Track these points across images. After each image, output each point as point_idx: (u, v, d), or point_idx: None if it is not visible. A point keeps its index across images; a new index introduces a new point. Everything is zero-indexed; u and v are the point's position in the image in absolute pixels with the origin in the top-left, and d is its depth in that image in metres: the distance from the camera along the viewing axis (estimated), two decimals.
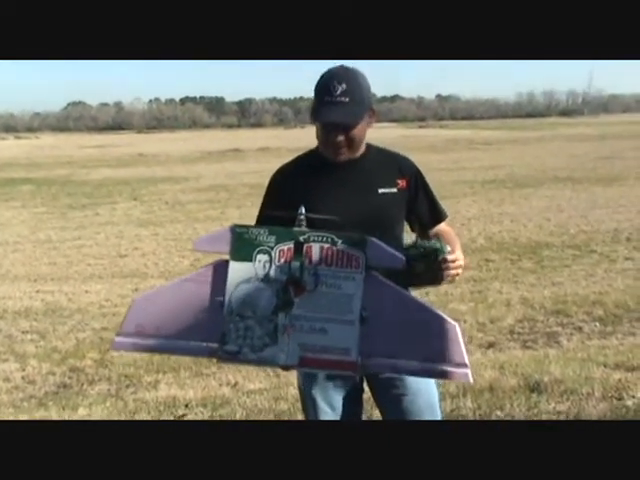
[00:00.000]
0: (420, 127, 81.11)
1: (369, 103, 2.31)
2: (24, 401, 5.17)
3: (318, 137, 2.34)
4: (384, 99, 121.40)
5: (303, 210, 2.02)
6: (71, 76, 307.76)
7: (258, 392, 4.72)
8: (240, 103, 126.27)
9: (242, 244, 1.94)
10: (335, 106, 2.21)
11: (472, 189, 20.49)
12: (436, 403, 2.37)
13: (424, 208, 2.45)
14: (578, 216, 14.96)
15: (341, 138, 2.26)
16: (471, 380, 1.88)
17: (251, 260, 1.93)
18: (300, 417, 2.84)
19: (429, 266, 2.13)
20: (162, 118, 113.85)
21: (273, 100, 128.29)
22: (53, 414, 4.52)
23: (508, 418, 3.79)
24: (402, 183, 2.37)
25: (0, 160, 40.16)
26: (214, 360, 1.98)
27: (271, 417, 3.92)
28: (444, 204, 2.54)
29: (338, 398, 2.33)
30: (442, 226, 2.49)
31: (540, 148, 37.63)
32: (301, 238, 1.93)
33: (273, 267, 1.92)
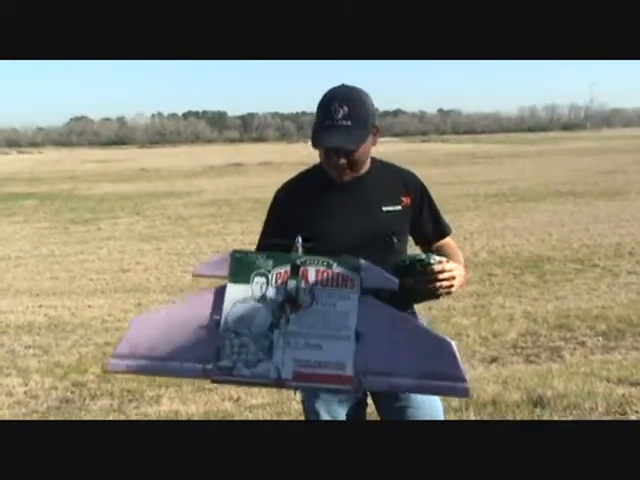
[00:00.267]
0: (422, 141, 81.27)
1: (372, 123, 2.27)
2: (26, 416, 5.16)
3: (320, 157, 2.33)
4: (386, 113, 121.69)
5: (300, 239, 2.04)
6: (74, 91, 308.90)
7: (261, 407, 4.71)
8: (242, 117, 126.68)
9: (240, 268, 1.99)
10: (336, 130, 2.18)
11: (475, 203, 20.50)
12: (440, 415, 2.36)
13: (428, 224, 2.44)
14: (580, 230, 14.95)
15: (343, 161, 2.25)
16: (470, 394, 1.87)
17: (248, 282, 1.97)
18: None
19: (416, 278, 2.14)
20: (164, 133, 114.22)
21: (275, 114, 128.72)
22: None
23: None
24: (407, 200, 2.36)
25: (3, 175, 40.28)
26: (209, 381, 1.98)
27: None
28: (447, 218, 2.54)
29: (342, 412, 2.32)
30: (445, 240, 2.48)
31: (542, 162, 37.66)
32: (298, 262, 1.97)
33: (270, 288, 1.96)
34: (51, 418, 5.02)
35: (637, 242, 13.12)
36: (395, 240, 2.33)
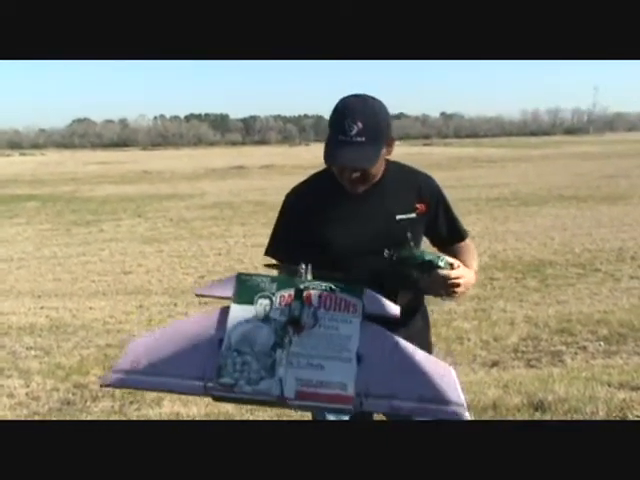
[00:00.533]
0: (425, 145, 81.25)
1: (387, 135, 2.23)
2: (28, 417, 5.16)
3: (335, 171, 2.29)
4: None
5: (303, 266, 2.06)
6: (76, 92, 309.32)
7: (262, 409, 4.71)
8: (245, 120, 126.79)
9: (244, 290, 2.02)
10: (350, 147, 2.12)
11: (476, 207, 20.50)
12: None
13: (443, 229, 2.41)
14: (583, 234, 14.94)
15: (356, 175, 2.22)
16: (468, 418, 1.89)
17: (252, 303, 2.00)
18: None
19: (422, 276, 2.15)
20: (167, 135, 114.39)
21: (277, 117, 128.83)
22: None
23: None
24: (421, 207, 2.32)
25: (5, 177, 40.33)
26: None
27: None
28: None
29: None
30: (463, 242, 2.46)
31: (545, 166, 37.65)
32: (301, 286, 2.00)
33: (273, 309, 1.98)
34: (52, 420, 5.02)
35: (639, 247, 13.12)
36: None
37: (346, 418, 2.23)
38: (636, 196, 21.75)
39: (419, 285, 2.18)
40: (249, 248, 14.97)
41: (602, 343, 7.05)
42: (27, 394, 5.80)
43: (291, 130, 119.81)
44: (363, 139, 2.12)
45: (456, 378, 1.90)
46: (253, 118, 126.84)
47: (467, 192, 24.37)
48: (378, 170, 2.27)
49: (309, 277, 2.03)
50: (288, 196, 2.45)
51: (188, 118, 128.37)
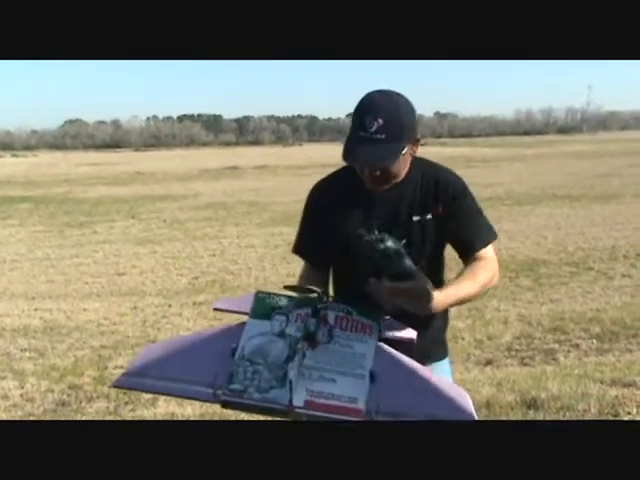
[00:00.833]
0: None
1: (410, 134, 2.13)
2: (23, 419, 5.16)
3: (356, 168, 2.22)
4: None
5: (323, 291, 2.06)
6: (68, 93, 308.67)
7: None
8: (238, 121, 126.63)
9: (262, 306, 2.04)
10: (368, 145, 2.05)
11: None
12: None
13: (460, 234, 2.25)
14: (576, 233, 15.00)
15: (377, 174, 2.14)
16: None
17: (269, 318, 2.01)
18: None
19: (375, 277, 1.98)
20: (160, 136, 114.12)
21: (271, 118, 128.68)
22: None
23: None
24: (439, 208, 2.21)
25: None
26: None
27: None
28: None
29: None
30: (477, 255, 2.24)
31: (538, 165, 37.74)
32: (318, 306, 2.00)
33: (289, 326, 1.99)
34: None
35: (632, 245, 13.17)
36: (426, 248, 2.21)
37: None
38: (629, 195, 21.83)
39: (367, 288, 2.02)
40: (243, 249, 14.99)
41: (594, 341, 7.10)
42: (22, 395, 5.80)
43: (284, 130, 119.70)
44: (383, 136, 2.05)
45: (471, 403, 1.90)
46: (246, 118, 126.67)
47: None
48: (400, 169, 2.19)
49: (326, 299, 2.04)
50: (311, 192, 2.40)
51: (181, 119, 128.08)
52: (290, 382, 1.91)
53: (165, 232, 18.28)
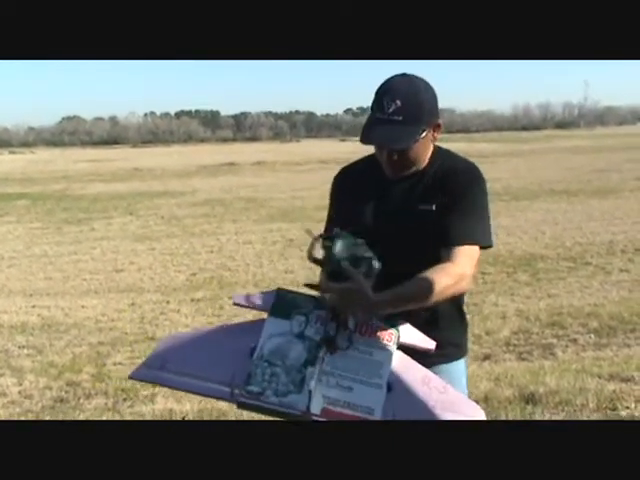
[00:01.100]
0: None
1: (429, 119, 2.10)
2: (21, 415, 5.16)
3: (375, 151, 2.20)
4: None
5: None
6: (66, 90, 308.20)
7: None
8: (235, 117, 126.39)
9: (282, 304, 2.02)
10: (384, 126, 2.03)
11: None
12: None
13: (445, 222, 2.10)
14: (573, 228, 15.01)
15: (394, 158, 2.10)
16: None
17: (288, 318, 2.00)
18: None
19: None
20: (157, 132, 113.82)
21: (269, 114, 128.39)
22: None
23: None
24: (444, 200, 2.11)
25: None
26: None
27: None
28: None
29: None
30: (448, 255, 2.07)
31: (536, 160, 37.75)
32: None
33: (309, 327, 1.98)
34: (46, 417, 5.03)
35: (629, 240, 13.19)
36: (430, 239, 2.10)
37: None
38: (626, 190, 21.84)
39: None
40: (241, 245, 14.98)
41: (592, 335, 7.11)
42: (20, 392, 5.80)
43: (282, 126, 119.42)
44: (400, 118, 2.02)
45: (484, 417, 1.91)
46: (244, 114, 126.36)
47: None
48: (419, 154, 2.13)
49: None
50: (334, 178, 2.38)
51: (178, 115, 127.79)
52: (309, 391, 1.89)
53: (163, 229, 18.26)
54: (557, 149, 48.08)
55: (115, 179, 36.03)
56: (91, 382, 6.06)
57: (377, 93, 2.08)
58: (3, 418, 5.07)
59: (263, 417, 1.94)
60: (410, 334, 1.98)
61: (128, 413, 4.97)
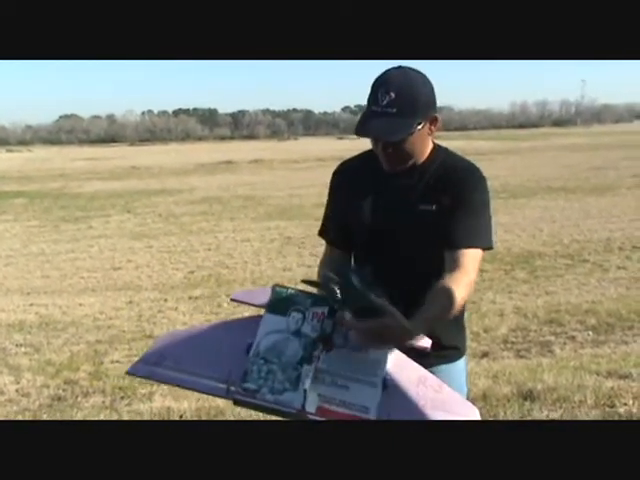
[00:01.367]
0: None
1: (425, 112, 2.07)
2: (18, 414, 5.16)
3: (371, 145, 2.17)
4: None
5: (338, 290, 1.95)
6: (63, 88, 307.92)
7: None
8: (233, 115, 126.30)
9: (279, 301, 2.00)
10: (379, 118, 2.01)
11: None
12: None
13: (449, 226, 2.07)
14: (571, 226, 15.03)
15: (389, 151, 2.07)
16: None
17: (285, 315, 1.98)
18: None
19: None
20: (155, 130, 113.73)
21: (266, 112, 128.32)
22: None
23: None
24: (445, 200, 2.09)
25: None
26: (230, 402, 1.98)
27: None
28: None
29: None
30: (453, 259, 2.04)
31: (533, 158, 37.79)
32: (335, 306, 1.93)
33: (306, 324, 1.96)
34: (43, 416, 5.02)
35: (627, 237, 13.21)
36: (430, 240, 2.09)
37: None
38: (623, 187, 21.88)
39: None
40: (239, 243, 14.98)
41: (590, 333, 7.12)
42: (17, 390, 5.80)
43: (280, 124, 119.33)
44: (394, 110, 2.00)
45: (479, 417, 1.89)
46: (242, 113, 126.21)
47: None
48: (415, 147, 2.10)
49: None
50: (333, 174, 2.35)
51: (176, 113, 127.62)
52: (305, 390, 1.88)
53: (161, 226, 18.26)
54: (554, 147, 48.13)
55: (113, 177, 36.02)
56: (89, 380, 6.06)
57: (372, 85, 2.07)
58: (0, 416, 5.07)
59: (261, 416, 1.93)
60: None
61: (126, 411, 4.97)
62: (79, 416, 4.84)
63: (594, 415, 3.94)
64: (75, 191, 29.23)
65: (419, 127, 2.06)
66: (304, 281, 2.06)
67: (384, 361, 1.91)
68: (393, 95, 2.00)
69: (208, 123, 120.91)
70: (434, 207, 2.09)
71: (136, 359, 2.05)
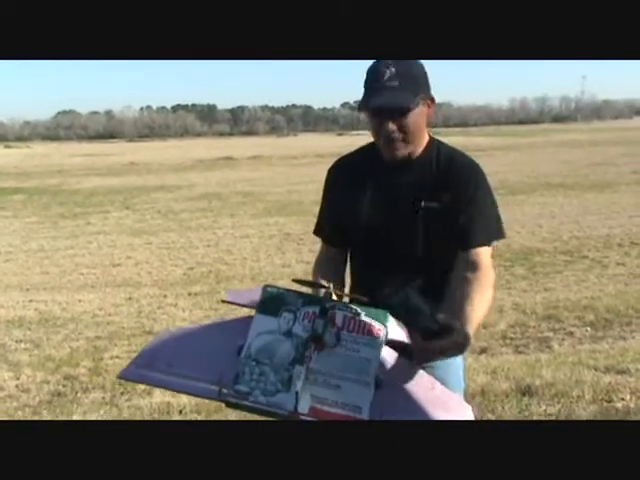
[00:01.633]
0: None
1: (423, 90, 2.11)
2: (18, 410, 5.17)
3: (372, 132, 2.17)
4: None
5: (332, 286, 2.02)
6: (61, 84, 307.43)
7: None
8: (232, 111, 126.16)
9: (270, 301, 1.99)
10: (382, 91, 2.03)
11: None
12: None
13: (459, 225, 2.11)
14: (570, 222, 15.03)
15: (393, 127, 2.07)
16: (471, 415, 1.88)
17: (276, 315, 1.97)
18: None
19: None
20: (153, 126, 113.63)
21: (265, 108, 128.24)
22: None
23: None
24: (447, 197, 2.11)
25: None
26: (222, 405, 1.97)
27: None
28: None
29: None
30: (466, 253, 2.09)
31: (533, 154, 37.77)
32: (327, 305, 1.95)
33: (297, 324, 1.95)
34: (43, 411, 5.04)
35: (626, 234, 13.21)
36: (433, 237, 2.13)
37: None
38: (623, 184, 21.87)
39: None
40: (238, 239, 14.98)
41: (588, 328, 7.14)
42: (17, 386, 5.81)
43: (279, 120, 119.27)
44: (396, 83, 2.03)
45: (473, 415, 1.89)
46: (241, 108, 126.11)
47: None
48: (416, 126, 2.11)
49: (335, 296, 2.00)
50: (329, 170, 2.36)
51: (175, 109, 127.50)
52: (297, 392, 1.87)
53: (160, 223, 18.25)
54: (554, 143, 48.10)
55: (111, 173, 35.97)
56: (88, 376, 6.07)
57: (369, 69, 2.10)
58: (0, 412, 5.08)
59: (256, 415, 1.93)
60: (398, 330, 1.96)
61: (125, 407, 4.98)
62: (79, 412, 4.85)
63: (592, 410, 3.95)
64: (74, 187, 29.18)
65: (421, 103, 2.10)
66: (295, 280, 2.07)
67: (376, 360, 1.90)
68: (394, 70, 2.04)
69: (207, 119, 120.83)
70: (436, 205, 2.11)
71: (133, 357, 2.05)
